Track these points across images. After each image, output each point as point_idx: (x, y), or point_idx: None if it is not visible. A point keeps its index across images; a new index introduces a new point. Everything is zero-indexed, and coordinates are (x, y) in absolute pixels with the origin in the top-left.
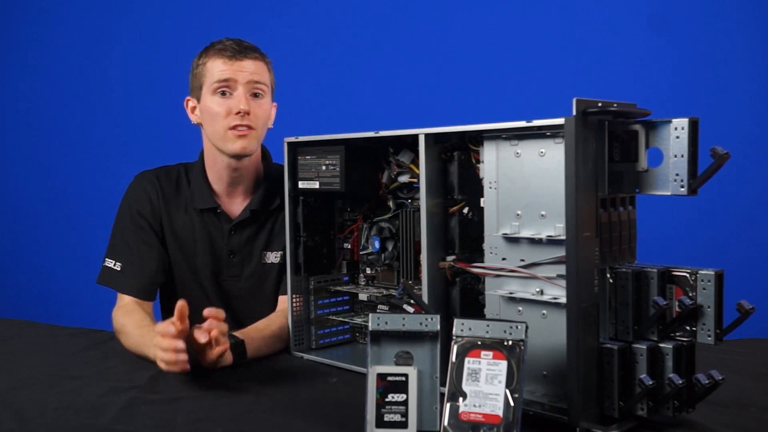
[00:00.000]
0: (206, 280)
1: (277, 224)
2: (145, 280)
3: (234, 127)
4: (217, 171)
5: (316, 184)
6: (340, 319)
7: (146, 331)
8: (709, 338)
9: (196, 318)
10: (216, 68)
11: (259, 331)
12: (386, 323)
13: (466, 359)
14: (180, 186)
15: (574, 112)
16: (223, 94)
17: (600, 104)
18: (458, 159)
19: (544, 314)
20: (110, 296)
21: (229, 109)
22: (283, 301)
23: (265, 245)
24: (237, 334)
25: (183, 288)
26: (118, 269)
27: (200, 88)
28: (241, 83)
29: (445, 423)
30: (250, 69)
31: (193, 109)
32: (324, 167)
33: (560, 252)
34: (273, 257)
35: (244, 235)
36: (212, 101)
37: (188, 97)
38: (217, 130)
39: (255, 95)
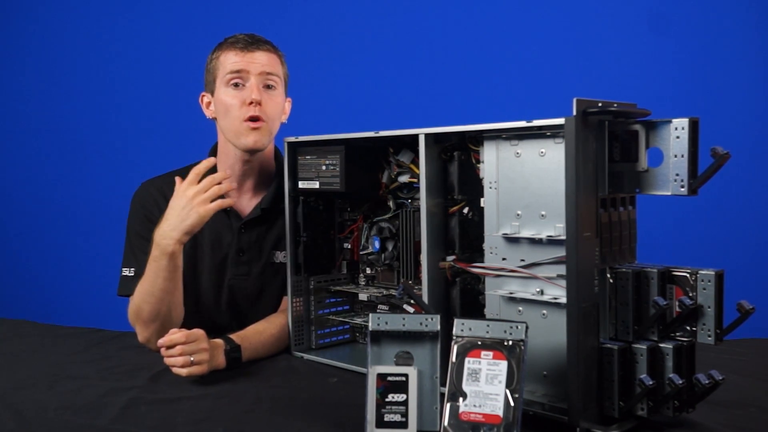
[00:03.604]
0: (212, 279)
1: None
2: None
3: (248, 119)
4: (229, 164)
5: (316, 184)
6: (340, 319)
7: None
8: (709, 338)
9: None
10: (228, 60)
11: (258, 334)
12: (386, 323)
13: (467, 359)
14: None
15: (574, 112)
16: (236, 85)
17: (600, 104)
18: (458, 159)
19: (544, 314)
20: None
21: (242, 100)
22: (286, 301)
23: (274, 244)
24: (235, 337)
25: (186, 287)
26: (132, 274)
27: (214, 82)
28: (253, 74)
29: (445, 423)
30: (263, 60)
31: (208, 104)
32: (324, 167)
33: (560, 252)
34: (282, 257)
35: (254, 233)
36: (225, 93)
37: (203, 93)
38: (231, 122)
39: (268, 87)
